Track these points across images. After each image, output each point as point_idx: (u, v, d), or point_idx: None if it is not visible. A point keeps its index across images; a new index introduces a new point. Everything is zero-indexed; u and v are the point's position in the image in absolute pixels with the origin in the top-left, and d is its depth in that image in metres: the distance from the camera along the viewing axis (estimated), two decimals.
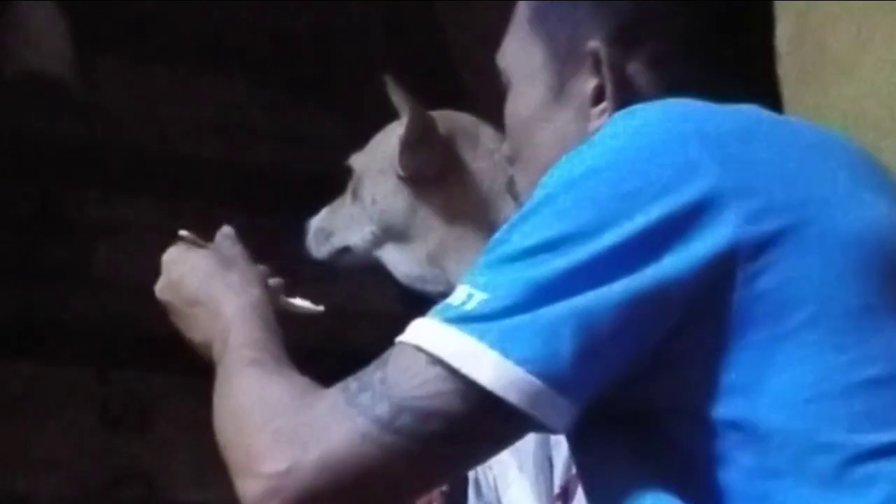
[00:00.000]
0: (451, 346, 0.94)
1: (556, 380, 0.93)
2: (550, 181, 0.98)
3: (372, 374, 0.97)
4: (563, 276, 0.94)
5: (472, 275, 0.98)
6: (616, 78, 1.11)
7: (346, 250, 1.75)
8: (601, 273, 0.93)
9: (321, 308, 1.37)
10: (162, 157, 3.34)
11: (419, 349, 0.96)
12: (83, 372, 3.35)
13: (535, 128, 1.17)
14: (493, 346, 0.93)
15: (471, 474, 1.62)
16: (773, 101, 1.13)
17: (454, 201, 1.65)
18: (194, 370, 3.39)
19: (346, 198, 1.75)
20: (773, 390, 0.93)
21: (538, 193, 0.98)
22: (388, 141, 1.70)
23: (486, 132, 1.70)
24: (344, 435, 0.95)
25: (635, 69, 1.11)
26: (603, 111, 1.11)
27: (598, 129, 1.08)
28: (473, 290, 0.96)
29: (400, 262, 1.69)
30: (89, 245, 3.40)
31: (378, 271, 1.73)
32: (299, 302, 1.36)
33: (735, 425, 0.93)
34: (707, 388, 0.94)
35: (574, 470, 1.51)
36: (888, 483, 0.92)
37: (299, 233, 1.81)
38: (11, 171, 3.29)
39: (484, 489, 1.61)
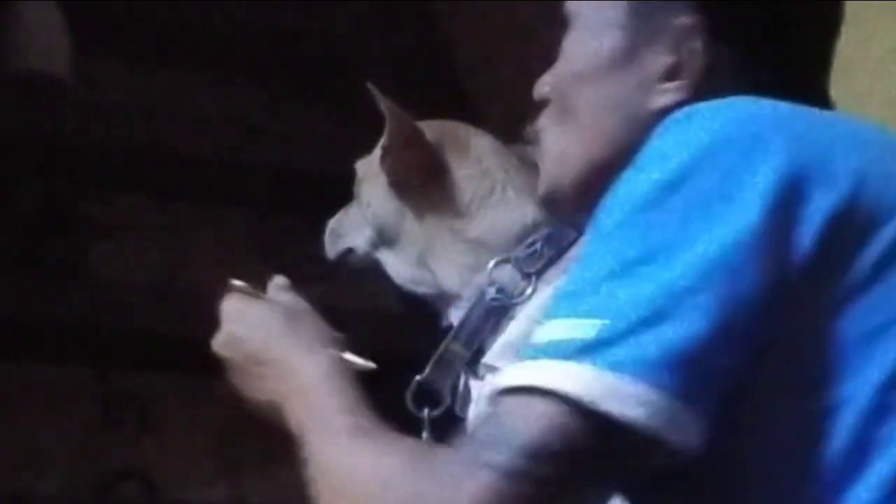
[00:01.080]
0: (586, 383, 0.88)
1: (695, 402, 0.87)
2: (630, 191, 0.93)
3: (489, 428, 0.91)
4: (675, 288, 0.88)
5: (569, 304, 0.91)
6: (700, 61, 1.08)
7: (349, 251, 1.78)
8: (717, 279, 0.88)
9: (372, 364, 1.30)
10: (162, 157, 3.34)
11: (541, 392, 0.89)
12: (83, 372, 3.35)
13: (589, 82, 1.14)
14: (629, 375, 0.87)
15: None
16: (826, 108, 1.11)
17: (438, 206, 1.67)
18: (194, 370, 3.41)
19: (356, 201, 1.79)
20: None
21: (617, 209, 0.93)
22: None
23: (480, 141, 1.72)
24: (476, 495, 0.89)
25: (718, 57, 1.09)
26: (677, 89, 1.08)
27: (663, 107, 1.06)
28: (580, 320, 0.90)
29: (394, 263, 1.72)
30: (89, 245, 3.40)
31: (380, 272, 1.75)
32: (349, 357, 1.30)
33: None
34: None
35: None
36: None
37: (320, 232, 1.84)
38: (11, 170, 3.29)
39: None
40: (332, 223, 1.83)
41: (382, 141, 1.69)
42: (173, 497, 3.34)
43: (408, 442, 1.01)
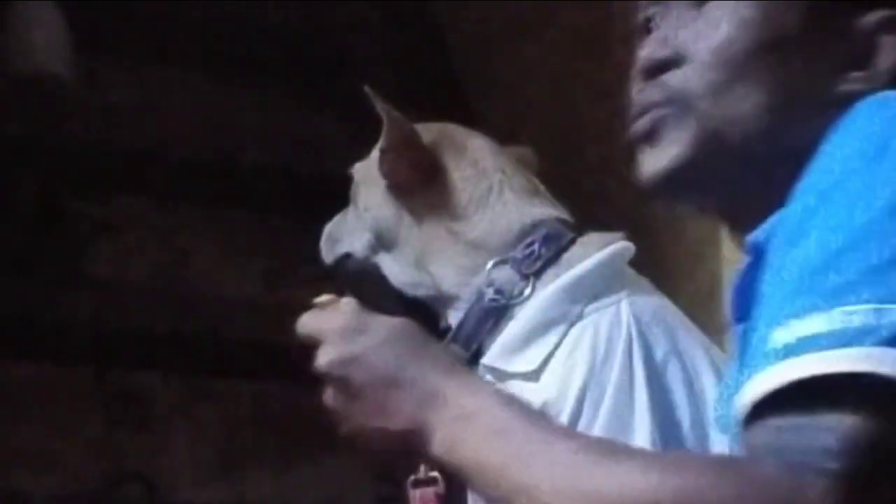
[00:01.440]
0: None
1: None
2: (885, 178, 0.91)
3: (800, 431, 0.86)
4: None
5: (854, 291, 0.88)
6: (891, 53, 1.09)
7: (347, 256, 1.78)
8: None
9: None
10: (162, 157, 3.34)
11: (862, 380, 0.84)
12: (83, 372, 3.35)
13: (765, 52, 1.11)
14: None
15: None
16: None
17: (436, 208, 1.67)
18: (194, 370, 3.39)
19: (352, 206, 1.79)
20: None
21: (871, 196, 0.91)
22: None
23: (476, 143, 1.72)
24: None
25: None
26: (867, 78, 1.07)
27: (851, 93, 1.04)
28: (880, 305, 0.86)
29: (392, 267, 1.72)
30: (89, 245, 3.40)
31: (377, 276, 1.75)
32: None
33: None
34: None
35: None
36: None
37: (319, 233, 1.84)
38: (11, 170, 3.29)
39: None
40: (328, 228, 1.82)
41: (380, 144, 1.69)
42: (173, 497, 3.35)
43: (682, 455, 0.95)
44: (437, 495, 1.59)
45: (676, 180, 1.15)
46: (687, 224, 2.68)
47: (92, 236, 3.41)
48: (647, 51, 1.18)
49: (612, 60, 3.14)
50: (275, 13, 3.58)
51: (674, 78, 1.15)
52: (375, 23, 3.65)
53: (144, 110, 3.42)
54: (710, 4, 1.16)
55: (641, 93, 1.17)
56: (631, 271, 1.65)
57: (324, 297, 1.18)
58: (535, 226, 1.64)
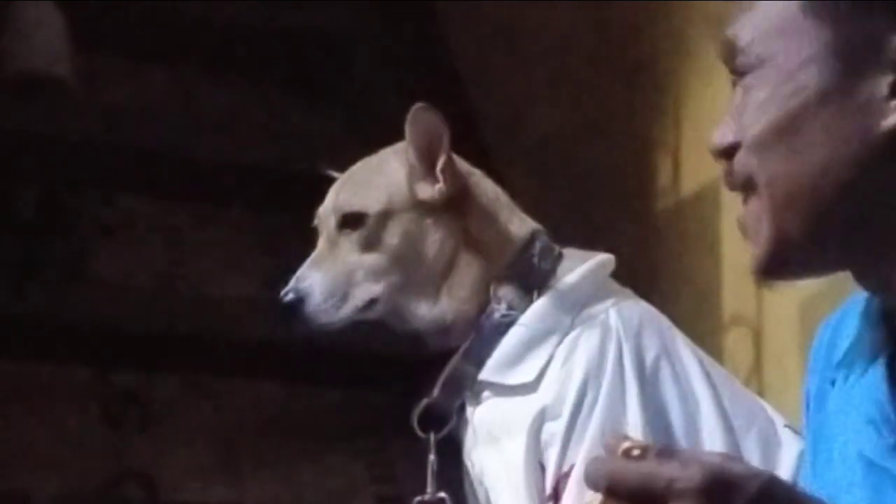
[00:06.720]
0: None
1: None
2: None
3: None
4: None
5: None
6: None
7: (373, 303, 1.68)
8: None
9: None
10: (162, 157, 3.34)
11: None
12: (83, 372, 3.35)
13: (801, 119, 1.10)
14: None
15: (467, 489, 1.64)
16: None
17: (465, 228, 1.67)
18: (194, 370, 3.40)
19: (346, 250, 1.70)
20: None
21: None
22: (397, 176, 1.70)
23: (467, 166, 1.73)
24: None
25: None
26: None
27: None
28: None
29: (422, 305, 1.67)
30: (89, 245, 3.40)
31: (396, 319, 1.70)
32: None
33: None
34: None
35: (564, 469, 1.53)
36: None
37: (287, 309, 1.70)
38: (11, 171, 3.29)
39: (482, 500, 1.62)
40: (325, 285, 1.69)
41: (441, 163, 1.66)
42: (173, 497, 3.34)
43: None
44: None
45: (778, 265, 1.13)
46: (688, 225, 2.68)
47: (92, 236, 3.41)
48: (717, 135, 1.16)
49: (611, 61, 3.14)
50: (275, 13, 3.58)
51: (738, 163, 1.13)
52: (375, 23, 3.66)
53: (144, 110, 3.42)
54: (748, 80, 1.13)
55: (727, 177, 1.16)
56: (614, 282, 1.68)
57: (630, 443, 0.98)
58: (531, 239, 1.67)
